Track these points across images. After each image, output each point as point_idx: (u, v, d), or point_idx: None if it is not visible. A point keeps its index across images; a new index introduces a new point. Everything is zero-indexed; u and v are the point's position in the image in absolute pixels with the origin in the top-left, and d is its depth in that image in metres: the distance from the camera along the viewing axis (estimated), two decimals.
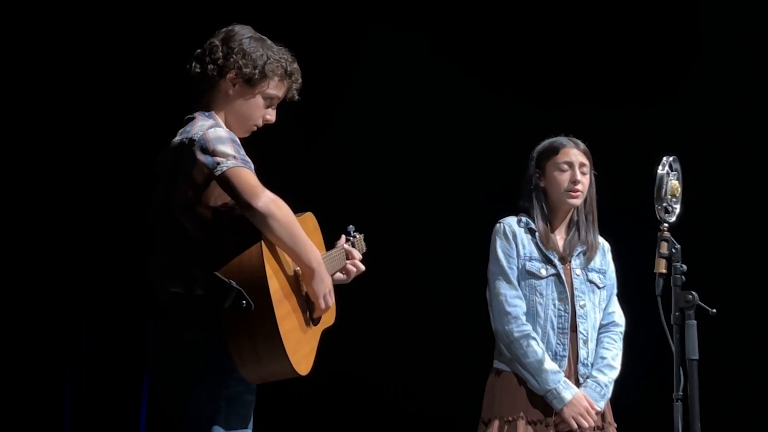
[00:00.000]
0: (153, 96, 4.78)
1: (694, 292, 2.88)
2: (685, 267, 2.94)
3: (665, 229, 2.99)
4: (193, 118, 2.76)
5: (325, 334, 2.87)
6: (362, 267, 3.06)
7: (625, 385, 3.55)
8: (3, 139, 5.02)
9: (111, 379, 4.99)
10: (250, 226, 2.59)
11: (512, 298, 3.49)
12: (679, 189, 3.04)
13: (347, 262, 3.03)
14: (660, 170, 3.02)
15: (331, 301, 2.77)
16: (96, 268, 5.02)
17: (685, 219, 3.04)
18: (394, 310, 5.11)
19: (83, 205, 5.06)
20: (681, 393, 2.83)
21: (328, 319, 2.90)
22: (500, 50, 5.16)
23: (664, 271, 2.94)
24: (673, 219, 3.01)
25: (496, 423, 3.43)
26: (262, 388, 2.73)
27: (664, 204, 3.01)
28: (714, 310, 2.88)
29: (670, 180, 3.03)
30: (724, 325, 3.54)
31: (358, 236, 3.20)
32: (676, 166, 3.05)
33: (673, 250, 2.95)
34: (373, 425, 5.18)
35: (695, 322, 2.87)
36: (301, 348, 2.67)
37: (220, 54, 2.78)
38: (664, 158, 3.04)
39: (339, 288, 2.96)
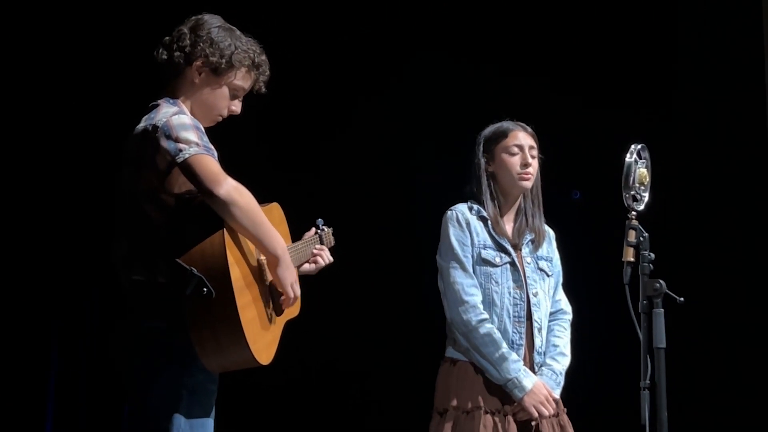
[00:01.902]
0: (120, 83, 4.73)
1: (661, 281, 2.87)
2: (653, 255, 2.93)
3: (633, 217, 2.98)
4: (157, 105, 2.74)
5: (288, 326, 2.84)
6: (329, 259, 3.04)
7: (593, 374, 3.55)
8: None
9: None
10: (213, 214, 2.57)
11: (469, 287, 3.45)
12: (648, 177, 3.03)
13: (316, 248, 3.02)
14: (628, 158, 3.00)
15: (299, 290, 2.75)
16: (96, 268, 4.94)
17: (653, 207, 3.03)
18: (351, 302, 5.10)
19: (77, 202, 4.99)
20: (648, 381, 2.83)
21: (293, 310, 2.87)
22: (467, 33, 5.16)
23: (632, 259, 2.93)
24: (641, 207, 3.00)
25: (452, 413, 3.39)
26: (225, 377, 2.70)
27: (632, 192, 3.00)
28: (681, 299, 2.87)
29: (639, 168, 3.02)
30: (692, 314, 3.54)
31: (326, 229, 3.18)
32: (645, 154, 3.04)
33: (641, 239, 2.94)
34: (331, 415, 5.17)
35: (662, 310, 2.86)
36: (262, 338, 2.65)
37: (188, 42, 2.76)
38: (632, 146, 3.03)
39: (304, 279, 2.94)
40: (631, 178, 3.00)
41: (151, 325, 2.59)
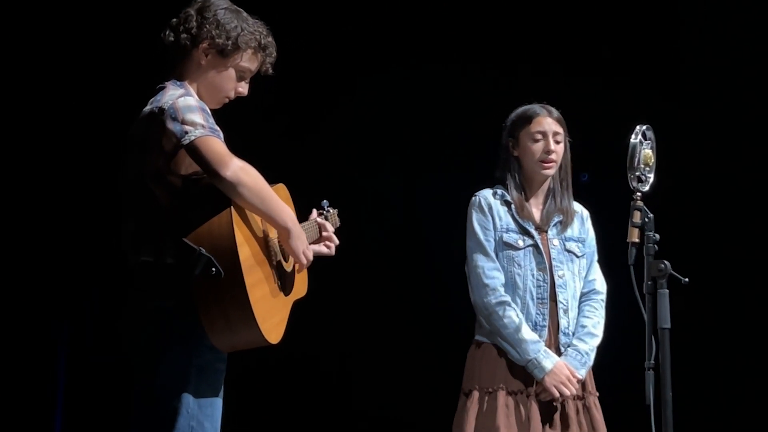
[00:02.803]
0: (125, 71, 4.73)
1: (666, 262, 2.89)
2: (657, 236, 2.94)
3: (638, 198, 2.99)
4: (164, 87, 2.74)
5: (298, 305, 2.86)
6: (336, 240, 3.05)
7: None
8: None
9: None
10: (220, 194, 2.57)
11: (490, 270, 3.48)
12: (653, 158, 3.03)
13: (323, 235, 3.03)
14: (633, 139, 3.01)
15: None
16: (98, 265, 4.95)
17: (658, 188, 3.04)
18: (373, 285, 5.10)
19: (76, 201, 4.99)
20: (653, 362, 2.84)
21: (301, 289, 2.89)
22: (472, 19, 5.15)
23: (637, 240, 2.94)
24: (646, 188, 3.01)
25: (476, 394, 3.43)
26: (234, 357, 2.72)
27: (637, 173, 3.01)
28: (686, 279, 2.88)
29: (644, 149, 3.02)
30: (697, 294, 3.55)
31: (331, 211, 3.19)
32: (650, 134, 3.04)
33: (646, 220, 2.95)
34: (351, 398, 5.18)
35: (667, 291, 2.87)
36: (271, 317, 2.66)
37: (194, 23, 2.77)
38: (638, 127, 3.03)
39: (313, 261, 2.95)
40: (636, 159, 3.00)
41: (160, 305, 2.61)
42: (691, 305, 3.71)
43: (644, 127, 3.04)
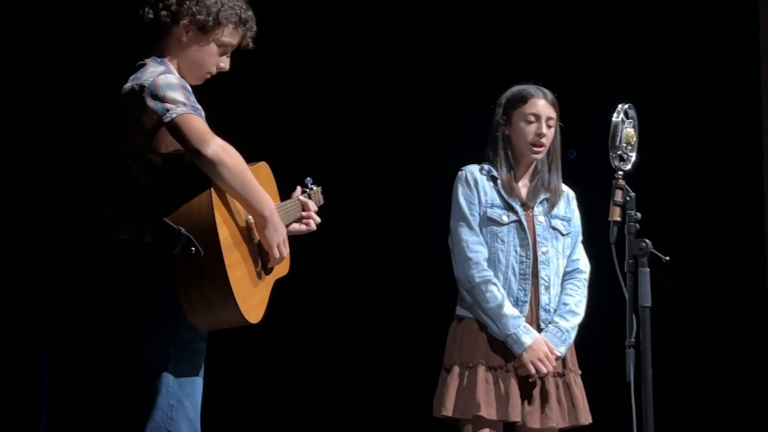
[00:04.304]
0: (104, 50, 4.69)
1: (647, 240, 2.90)
2: (639, 215, 2.95)
3: (620, 177, 2.99)
4: (144, 65, 2.72)
5: (280, 285, 2.85)
6: (318, 219, 3.04)
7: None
8: None
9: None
10: (200, 173, 2.56)
11: (474, 245, 3.49)
12: (635, 137, 3.04)
13: (303, 213, 3.02)
14: (615, 118, 3.01)
15: (286, 251, 2.76)
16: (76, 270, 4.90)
17: (640, 167, 3.04)
18: (355, 260, 5.10)
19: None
20: (633, 340, 2.86)
21: (282, 269, 2.88)
22: None
23: (619, 219, 2.95)
24: (628, 167, 3.01)
25: (456, 369, 3.45)
26: (215, 336, 2.72)
27: (619, 152, 3.01)
28: (667, 258, 2.89)
29: (625, 128, 3.03)
30: (677, 273, 3.57)
31: (315, 188, 3.18)
32: (632, 113, 3.05)
33: (628, 198, 2.96)
34: (333, 375, 5.19)
35: (648, 269, 2.89)
36: (251, 296, 2.66)
37: (174, 0, 2.74)
38: (619, 106, 3.03)
39: (295, 239, 2.95)
40: (618, 138, 3.01)
41: (139, 283, 2.60)
42: (672, 283, 3.72)
43: (626, 106, 3.04)
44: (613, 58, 5.02)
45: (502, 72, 3.67)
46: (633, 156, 3.02)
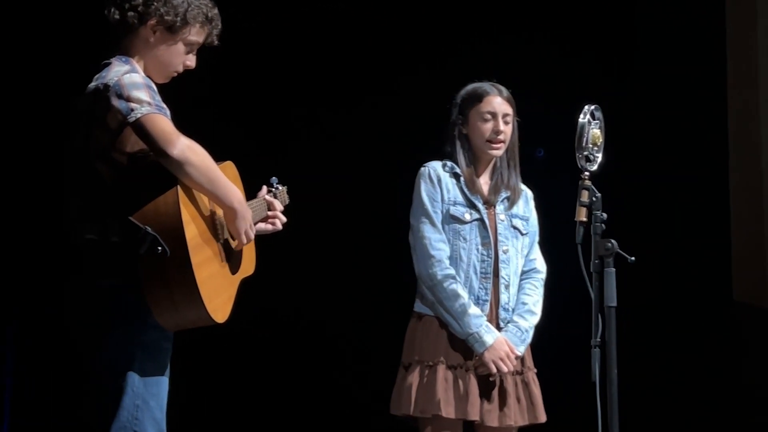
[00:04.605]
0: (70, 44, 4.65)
1: (613, 240, 2.91)
2: (605, 215, 2.96)
3: (586, 177, 3.00)
4: (109, 64, 2.71)
5: (246, 283, 2.85)
6: (283, 219, 3.04)
7: (545, 332, 3.59)
8: None
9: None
10: (166, 172, 2.56)
11: (436, 242, 3.48)
12: (601, 138, 3.05)
13: (269, 213, 3.02)
14: (581, 119, 3.02)
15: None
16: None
17: (606, 168, 3.05)
18: (317, 258, 5.10)
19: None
20: (599, 339, 2.87)
21: (248, 268, 2.88)
22: None
23: (585, 219, 2.96)
24: (594, 168, 3.02)
25: (416, 367, 3.43)
26: (180, 335, 2.71)
27: (585, 153, 3.02)
28: (633, 258, 2.91)
29: (592, 129, 3.04)
30: (643, 273, 3.59)
31: (281, 188, 3.18)
32: (598, 114, 3.06)
33: (594, 199, 2.97)
34: (295, 373, 5.19)
35: (614, 269, 2.90)
36: (218, 296, 2.66)
37: (140, 1, 2.73)
38: (586, 107, 3.04)
39: (260, 238, 2.94)
40: (584, 139, 3.02)
41: (104, 283, 2.59)
42: (638, 284, 3.75)
43: (593, 107, 3.05)
44: (580, 58, 5.05)
45: (467, 71, 3.66)
46: (599, 157, 3.04)
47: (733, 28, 5.17)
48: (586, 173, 3.00)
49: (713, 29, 5.12)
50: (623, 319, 2.93)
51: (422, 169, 3.57)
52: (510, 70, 3.70)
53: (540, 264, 3.62)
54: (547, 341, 3.61)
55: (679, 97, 5.09)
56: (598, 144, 3.04)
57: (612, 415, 2.85)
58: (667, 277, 4.96)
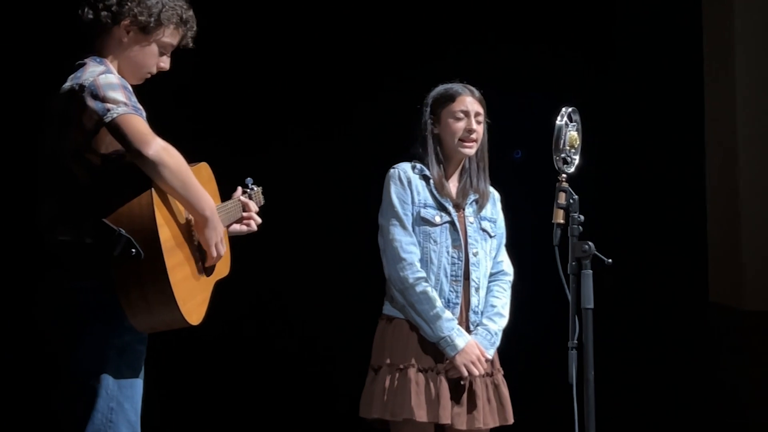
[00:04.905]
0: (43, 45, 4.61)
1: (590, 243, 2.91)
2: (582, 217, 2.97)
3: (563, 179, 3.00)
4: (84, 64, 2.69)
5: (220, 285, 2.83)
6: (258, 220, 3.03)
7: (522, 334, 3.59)
8: None
9: None
10: (141, 174, 2.54)
11: (407, 245, 3.46)
12: (578, 140, 3.05)
13: (243, 214, 3.00)
14: (559, 121, 3.02)
15: (223, 249, 2.75)
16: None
17: (583, 170, 3.06)
18: (289, 260, 5.09)
19: None
20: (576, 341, 2.87)
21: (223, 269, 2.87)
22: None
23: (562, 221, 2.96)
24: (572, 170, 3.03)
25: (386, 370, 3.42)
26: (154, 337, 2.69)
27: (563, 155, 3.02)
28: (610, 260, 2.91)
29: (569, 131, 3.04)
30: (620, 275, 3.59)
31: (256, 189, 3.16)
32: (576, 117, 3.06)
33: (571, 201, 2.97)
34: (265, 374, 5.17)
35: (591, 271, 2.90)
36: (192, 298, 2.64)
37: (114, 0, 2.71)
38: (563, 109, 3.04)
39: (236, 239, 2.92)
40: (562, 141, 3.02)
41: (78, 285, 2.57)
42: (615, 286, 3.76)
43: (570, 109, 3.05)
44: (558, 60, 5.06)
45: (441, 73, 3.66)
46: (576, 159, 3.04)
47: (710, 30, 5.19)
48: (564, 175, 3.01)
49: (690, 33, 5.14)
50: (600, 321, 2.93)
51: (391, 170, 3.54)
52: (485, 72, 3.70)
53: (507, 266, 3.62)
54: (523, 343, 3.61)
55: (655, 100, 5.10)
56: (576, 146, 3.04)
57: (589, 416, 2.85)
58: (644, 279, 4.98)
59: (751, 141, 5.03)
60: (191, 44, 2.84)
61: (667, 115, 5.10)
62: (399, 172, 3.52)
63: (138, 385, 2.66)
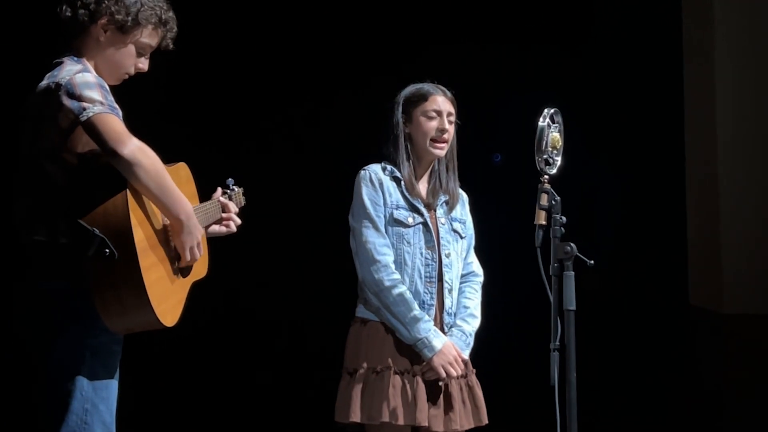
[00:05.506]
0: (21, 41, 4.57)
1: (572, 244, 2.90)
2: (564, 219, 2.95)
3: (546, 181, 2.99)
4: (61, 63, 2.67)
5: (197, 286, 2.80)
6: (238, 221, 3.00)
7: (503, 335, 3.57)
8: None
9: None
10: (116, 174, 2.51)
11: (381, 246, 3.42)
12: (560, 141, 3.04)
13: (223, 215, 2.97)
14: (541, 122, 3.01)
15: (199, 254, 2.72)
16: None
17: (565, 171, 3.04)
18: (276, 261, 5.07)
19: None
20: (558, 343, 2.85)
21: (200, 270, 2.84)
22: None
23: (544, 222, 2.95)
24: (554, 171, 3.01)
25: (362, 373, 3.38)
26: (129, 338, 2.66)
27: (545, 156, 3.01)
28: (592, 262, 2.90)
29: (551, 132, 3.02)
30: (602, 277, 3.59)
31: (236, 189, 3.13)
32: (558, 118, 3.05)
33: (553, 202, 2.96)
34: (239, 376, 5.15)
35: (573, 273, 2.89)
36: (167, 299, 2.61)
37: None
38: (545, 110, 3.03)
39: (215, 240, 2.89)
40: (544, 142, 3.00)
41: (52, 285, 2.55)
42: (597, 287, 3.75)
43: (552, 111, 3.04)
44: (540, 61, 5.05)
45: (413, 74, 3.64)
46: (559, 160, 3.03)
47: (690, 29, 5.20)
48: (546, 176, 2.99)
49: (670, 34, 5.15)
50: (582, 322, 2.92)
51: (362, 172, 3.51)
52: (466, 73, 3.69)
53: (477, 267, 3.61)
54: (505, 344, 3.60)
55: (635, 101, 5.10)
56: (558, 147, 3.03)
57: (570, 418, 2.84)
58: (625, 281, 4.97)
59: (731, 145, 5.04)
60: (171, 46, 2.80)
61: (647, 116, 5.11)
62: (370, 173, 3.49)
63: (113, 386, 2.63)
